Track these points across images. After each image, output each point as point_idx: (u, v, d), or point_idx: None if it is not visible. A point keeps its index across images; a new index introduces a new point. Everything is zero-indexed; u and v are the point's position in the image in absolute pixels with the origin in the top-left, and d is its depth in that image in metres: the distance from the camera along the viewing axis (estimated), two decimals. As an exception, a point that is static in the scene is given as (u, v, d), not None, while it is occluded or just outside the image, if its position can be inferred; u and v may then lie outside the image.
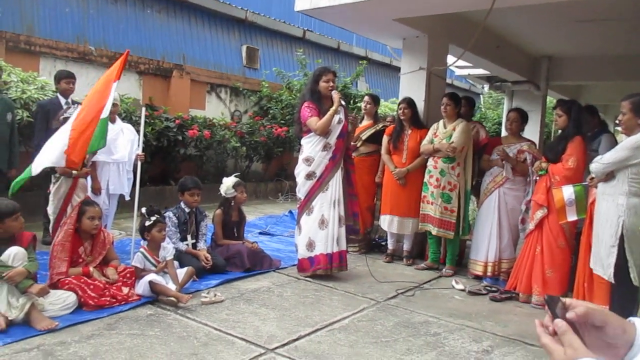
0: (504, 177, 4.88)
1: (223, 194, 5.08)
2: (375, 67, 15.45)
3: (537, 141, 8.42)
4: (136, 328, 3.29)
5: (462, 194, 5.08)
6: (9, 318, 3.10)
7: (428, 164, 5.23)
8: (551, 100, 12.12)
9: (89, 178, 4.98)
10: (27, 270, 3.21)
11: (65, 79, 5.39)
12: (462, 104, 5.34)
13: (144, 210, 4.32)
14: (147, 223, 4.07)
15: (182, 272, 4.10)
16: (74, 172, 4.46)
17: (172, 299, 3.70)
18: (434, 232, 5.15)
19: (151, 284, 3.77)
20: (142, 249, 4.07)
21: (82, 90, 6.05)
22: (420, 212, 5.26)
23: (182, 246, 4.63)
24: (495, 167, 4.99)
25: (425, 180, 5.23)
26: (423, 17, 5.51)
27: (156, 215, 4.16)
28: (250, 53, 11.14)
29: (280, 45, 12.23)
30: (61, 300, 3.42)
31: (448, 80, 11.15)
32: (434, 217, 5.11)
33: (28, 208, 5.08)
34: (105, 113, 3.97)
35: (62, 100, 5.29)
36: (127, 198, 5.33)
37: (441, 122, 5.25)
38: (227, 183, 5.05)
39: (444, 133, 5.14)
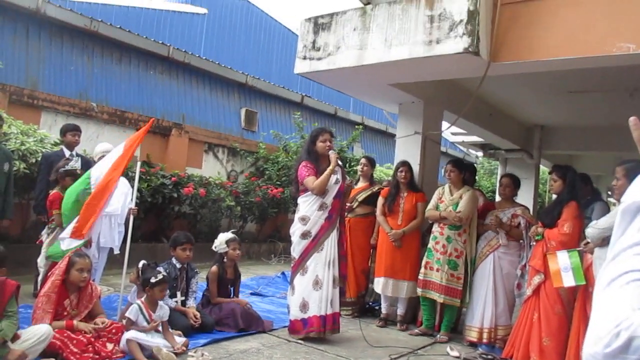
0: (499, 243, 4.87)
1: (215, 248, 5.02)
2: (371, 133, 15.72)
3: (530, 209, 8.46)
4: (118, 386, 3.14)
5: (468, 261, 5.02)
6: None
7: (434, 229, 5.18)
8: (544, 170, 12.30)
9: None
10: (2, 339, 3.06)
11: (71, 132, 5.49)
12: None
13: (140, 265, 4.26)
14: (154, 279, 3.96)
15: (180, 342, 3.95)
16: None
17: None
18: (439, 300, 5.01)
19: (127, 340, 3.62)
20: (139, 302, 3.95)
21: (81, 144, 6.09)
22: (422, 278, 5.12)
23: (171, 303, 4.50)
24: (489, 231, 4.98)
25: (430, 246, 5.15)
26: (418, 83, 5.67)
27: (162, 274, 4.08)
28: (249, 115, 11.35)
29: (278, 109, 12.48)
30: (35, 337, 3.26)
31: (442, 149, 11.33)
32: (440, 284, 4.98)
33: (18, 260, 5.01)
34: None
35: (67, 153, 5.34)
36: (117, 252, 5.23)
37: (447, 187, 5.25)
38: (221, 238, 5.00)
39: (450, 200, 5.13)
